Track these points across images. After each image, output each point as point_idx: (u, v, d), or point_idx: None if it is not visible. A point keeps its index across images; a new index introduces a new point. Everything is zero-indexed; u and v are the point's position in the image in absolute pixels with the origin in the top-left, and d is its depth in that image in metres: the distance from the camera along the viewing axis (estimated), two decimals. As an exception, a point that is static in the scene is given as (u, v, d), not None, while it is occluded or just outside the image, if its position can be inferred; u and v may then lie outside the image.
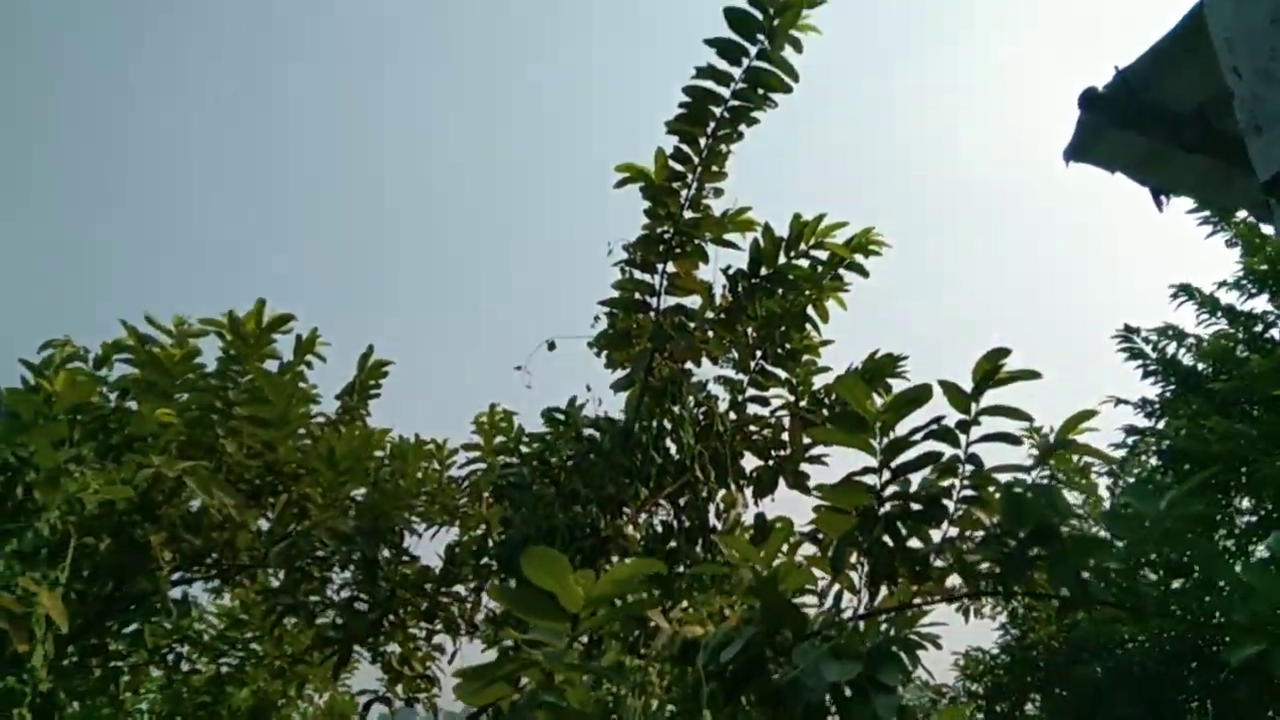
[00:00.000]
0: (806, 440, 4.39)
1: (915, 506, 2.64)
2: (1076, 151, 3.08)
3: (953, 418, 2.62)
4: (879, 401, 2.60)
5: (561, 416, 4.52)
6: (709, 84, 4.10)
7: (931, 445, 2.61)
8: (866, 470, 2.59)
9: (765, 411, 4.57)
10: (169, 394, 4.33)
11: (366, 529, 4.05)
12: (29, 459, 3.28)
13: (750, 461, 4.54)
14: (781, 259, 4.31)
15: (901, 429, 2.61)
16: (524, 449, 4.70)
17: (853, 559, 2.65)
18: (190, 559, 4.03)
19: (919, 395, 2.53)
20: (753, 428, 4.48)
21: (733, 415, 4.46)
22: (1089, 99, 2.88)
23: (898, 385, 4.63)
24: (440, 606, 4.51)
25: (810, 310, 4.47)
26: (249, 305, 4.67)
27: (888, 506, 2.61)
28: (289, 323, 4.45)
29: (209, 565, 4.29)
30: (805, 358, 4.57)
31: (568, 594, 1.93)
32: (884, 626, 2.61)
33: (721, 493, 4.12)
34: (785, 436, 4.48)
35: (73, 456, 3.37)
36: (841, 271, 4.50)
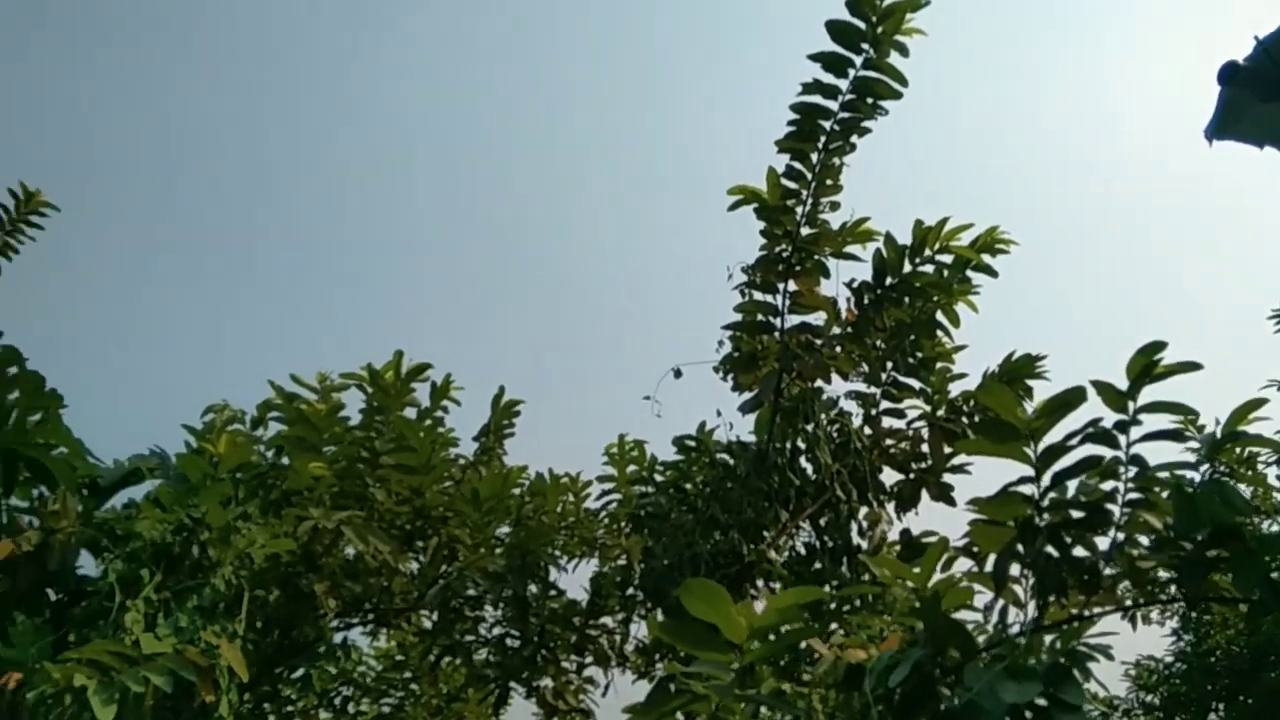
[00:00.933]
0: (948, 450, 4.27)
1: (1077, 514, 2.53)
2: (1219, 128, 2.92)
3: (1109, 418, 2.51)
4: (1028, 407, 2.51)
5: (693, 443, 4.53)
6: (816, 99, 4.07)
7: (1089, 449, 2.51)
8: (1022, 480, 2.50)
9: (901, 424, 4.47)
10: (318, 448, 4.54)
11: (515, 567, 4.14)
12: (202, 519, 3.49)
13: (890, 476, 4.45)
14: (906, 267, 4.23)
15: (1055, 434, 2.52)
16: (658, 478, 4.72)
17: (1015, 572, 2.56)
18: (351, 605, 4.20)
19: (1071, 398, 2.44)
20: (889, 441, 4.39)
21: (868, 430, 4.37)
22: (1229, 73, 2.73)
23: (1039, 387, 4.48)
24: (589, 639, 4.56)
25: (940, 316, 4.36)
26: (370, 347, 4.87)
27: (1048, 516, 2.51)
28: (426, 371, 4.61)
29: (368, 610, 4.46)
30: (939, 365, 4.46)
31: (730, 626, 1.93)
32: (1051, 640, 2.51)
33: (864, 510, 4.04)
34: (924, 448, 4.37)
35: (240, 514, 3.57)
36: (969, 273, 4.38)
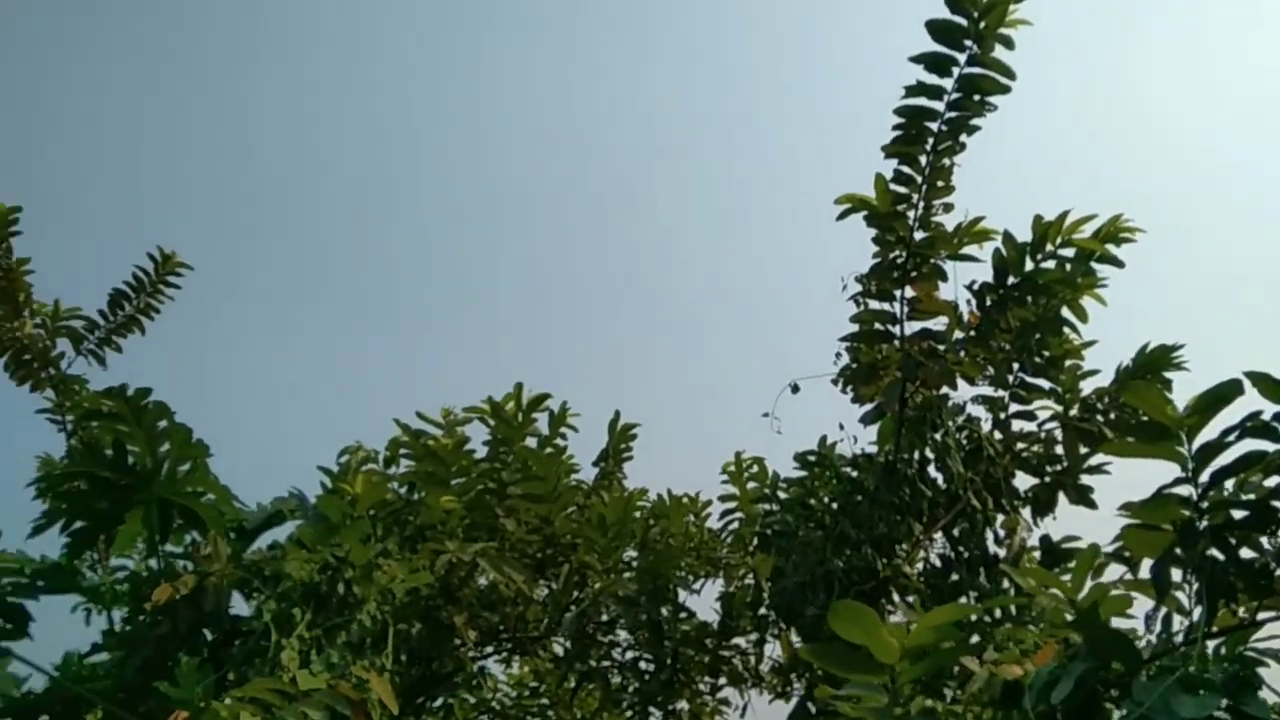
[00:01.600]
0: (1084, 451, 4.10)
1: (1241, 514, 2.39)
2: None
3: (1268, 410, 2.37)
4: (1178, 404, 2.39)
5: (815, 458, 4.47)
6: (921, 101, 4.00)
7: (1249, 444, 2.37)
8: (1177, 481, 2.38)
9: (1032, 426, 4.32)
10: (447, 482, 4.66)
11: (648, 590, 4.16)
12: (345, 557, 3.62)
13: (1023, 481, 4.29)
14: (1028, 264, 4.09)
15: (1209, 430, 2.39)
16: (782, 495, 4.67)
17: (1175, 578, 2.43)
18: (488, 634, 4.29)
19: (1227, 392, 2.31)
20: (1021, 445, 4.24)
21: (998, 435, 4.24)
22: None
23: (1178, 379, 4.26)
24: (722, 660, 4.54)
25: (1066, 312, 4.20)
26: (479, 378, 4.98)
27: (1208, 518, 2.38)
28: (545, 401, 4.70)
29: (504, 639, 4.54)
30: (1068, 363, 4.29)
31: (882, 647, 1.89)
32: (1216, 647, 2.37)
33: (1000, 518, 3.91)
34: (1059, 450, 4.21)
35: (380, 551, 3.69)
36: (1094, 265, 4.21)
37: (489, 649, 4.57)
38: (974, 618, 3.67)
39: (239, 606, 4.60)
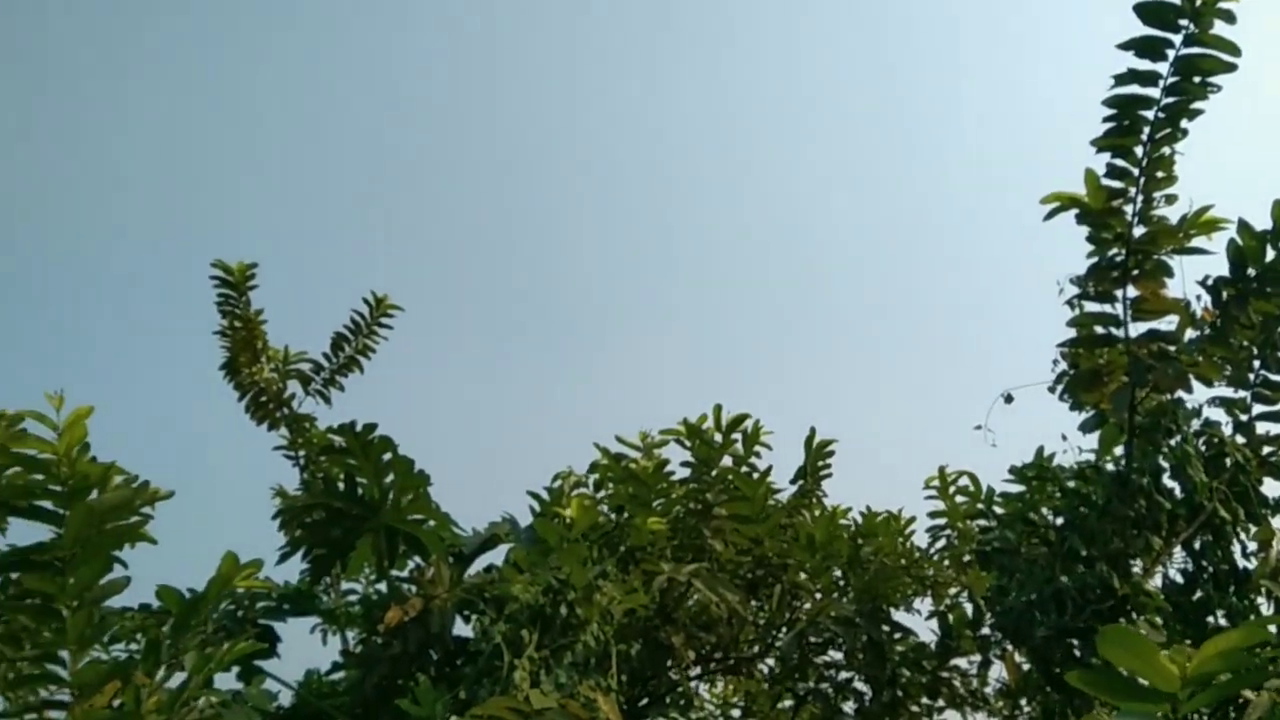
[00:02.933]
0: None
1: None
2: None
3: None
4: None
5: (1032, 472, 4.27)
6: (1133, 89, 3.77)
7: None
8: None
9: (1280, 428, 3.96)
10: (649, 504, 4.74)
11: (865, 610, 4.08)
12: (566, 579, 3.74)
13: (1272, 487, 3.94)
14: (1269, 254, 3.77)
15: None
16: (998, 509, 4.49)
17: None
18: (704, 655, 4.32)
19: None
20: (1269, 449, 3.90)
21: (1239, 438, 3.92)
22: None
23: None
24: (942, 681, 4.38)
25: (1316, 303, 3.84)
26: (674, 396, 5.03)
27: None
28: (744, 421, 4.71)
29: (718, 659, 4.57)
30: (1319, 358, 3.92)
31: (1161, 675, 1.78)
32: None
33: (1253, 529, 3.61)
34: (1314, 453, 3.84)
35: (598, 573, 3.79)
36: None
37: (703, 669, 4.60)
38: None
39: (459, 628, 4.85)
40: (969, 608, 4.78)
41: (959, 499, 4.93)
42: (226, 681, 4.61)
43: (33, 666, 3.59)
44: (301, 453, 5.66)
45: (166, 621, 3.70)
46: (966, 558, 4.44)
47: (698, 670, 4.64)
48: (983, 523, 4.55)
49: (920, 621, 4.90)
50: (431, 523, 4.82)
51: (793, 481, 5.34)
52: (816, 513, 4.92)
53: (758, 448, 5.11)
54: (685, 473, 4.97)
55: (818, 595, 4.34)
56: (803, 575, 4.41)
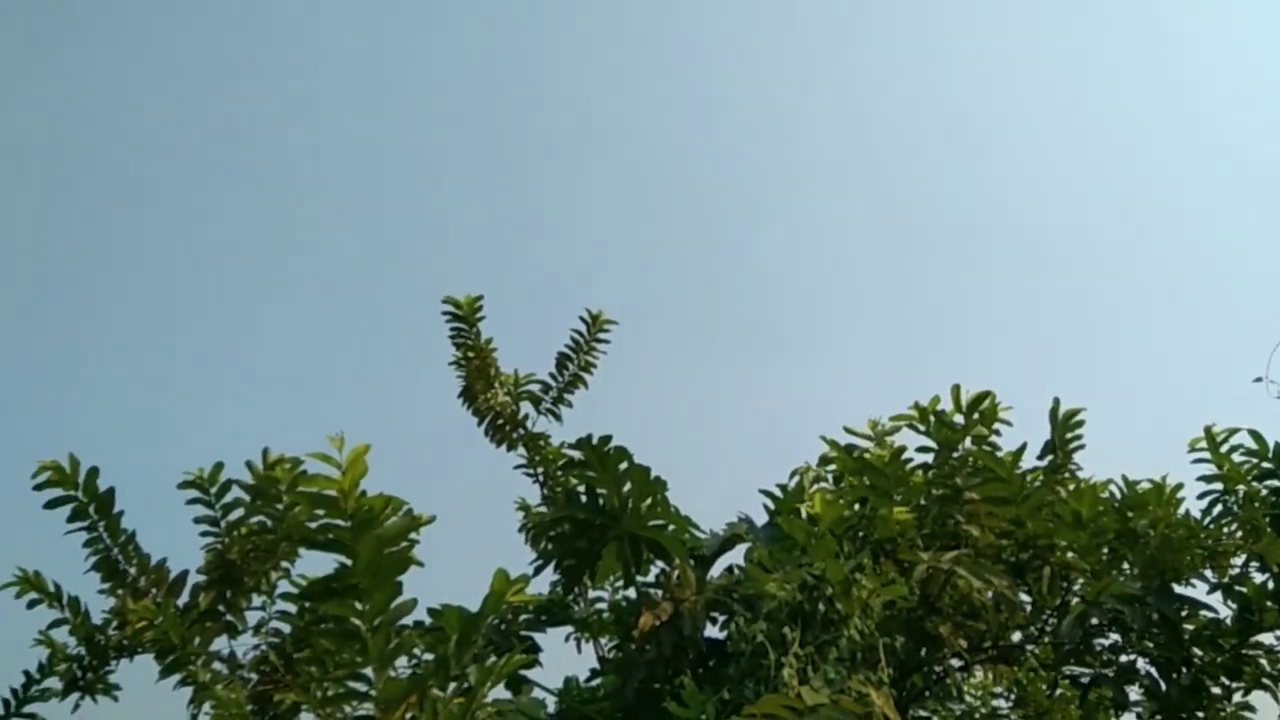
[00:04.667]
0: None
1: None
2: None
3: None
4: None
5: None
6: None
7: None
8: None
9: None
10: (889, 494, 4.62)
11: (1154, 586, 3.80)
12: (822, 575, 3.70)
13: None
14: None
15: None
16: (1290, 469, 4.06)
17: None
18: (973, 644, 4.16)
19: None
20: None
21: None
22: None
23: None
24: (1244, 660, 4.01)
25: None
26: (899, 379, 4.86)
27: None
28: (985, 400, 4.51)
29: (987, 647, 4.38)
30: None
31: None
32: None
33: None
34: None
35: (854, 567, 3.73)
36: None
37: (968, 659, 4.42)
38: None
39: (708, 628, 4.90)
40: (1259, 578, 4.36)
41: (1236, 459, 4.50)
42: (494, 692, 4.87)
43: (336, 686, 3.93)
44: (540, 469, 5.90)
45: (439, 636, 3.92)
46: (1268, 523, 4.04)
47: (960, 661, 4.46)
48: (1274, 483, 4.13)
49: (1201, 595, 4.52)
50: (672, 527, 4.91)
51: (1040, 457, 5.06)
52: (1071, 487, 4.63)
53: (996, 425, 4.89)
54: (923, 458, 4.83)
55: (1090, 574, 4.08)
56: (1071, 554, 4.16)
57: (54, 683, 4.51)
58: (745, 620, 4.27)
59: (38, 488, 4.21)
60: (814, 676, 3.53)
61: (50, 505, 4.25)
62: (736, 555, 5.10)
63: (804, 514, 4.25)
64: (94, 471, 4.24)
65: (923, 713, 4.96)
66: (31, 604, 4.37)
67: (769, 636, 3.66)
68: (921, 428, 4.88)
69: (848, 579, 3.67)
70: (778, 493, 4.96)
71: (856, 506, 4.40)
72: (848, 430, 5.25)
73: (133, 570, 4.35)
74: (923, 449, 4.85)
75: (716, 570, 5.16)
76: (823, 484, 4.62)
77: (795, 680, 3.49)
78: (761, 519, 5.07)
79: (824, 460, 5.13)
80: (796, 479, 4.66)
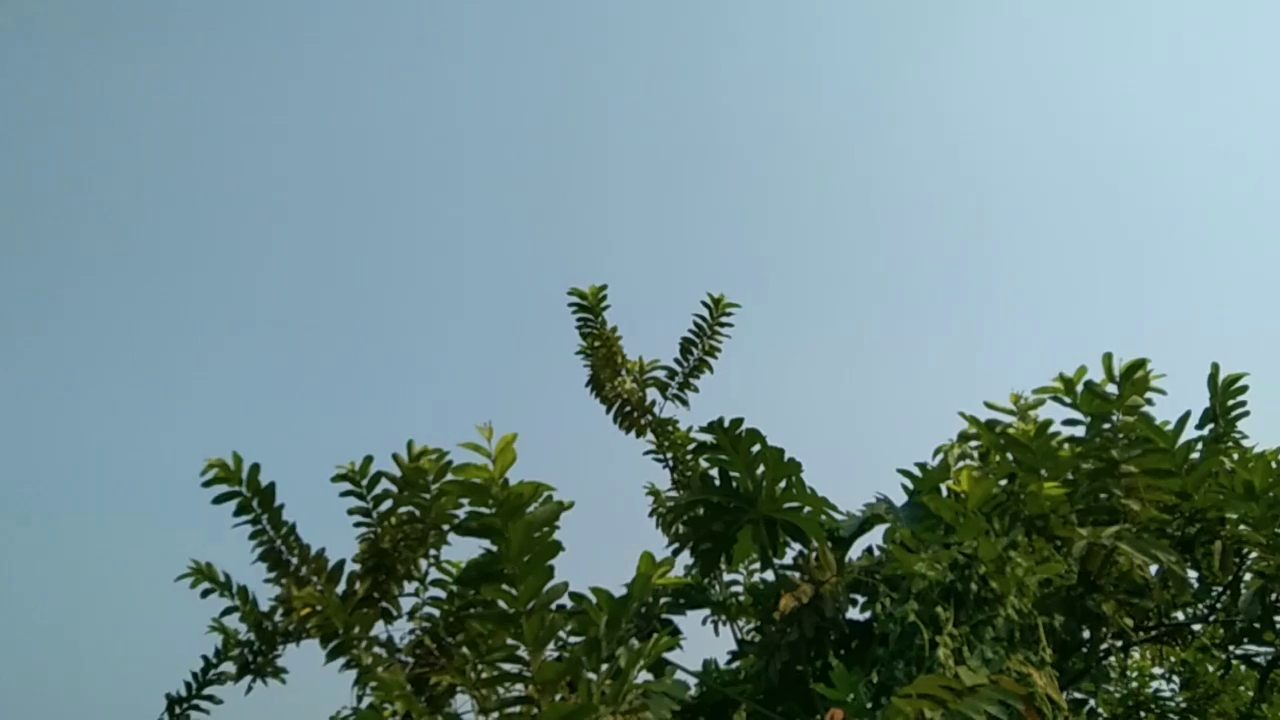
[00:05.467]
0: None
1: None
2: None
3: None
4: None
5: None
6: None
7: None
8: None
9: None
10: (1037, 469, 4.47)
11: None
12: (974, 554, 3.62)
13: None
14: None
15: None
16: None
17: None
18: (1138, 622, 4.00)
19: None
20: None
21: None
22: None
23: None
24: None
25: None
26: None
27: None
28: (1141, 369, 4.31)
29: (1149, 626, 4.21)
30: None
31: None
32: None
33: None
34: None
35: (1007, 544, 3.63)
36: None
37: (1129, 638, 4.25)
38: None
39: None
40: None
41: None
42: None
43: (491, 669, 4.05)
44: (669, 454, 5.94)
45: (583, 619, 3.99)
46: None
47: (1119, 641, 4.29)
48: None
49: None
50: (808, 509, 4.87)
51: (1199, 426, 4.81)
52: (1236, 456, 4.38)
53: (1149, 394, 4.67)
54: (1070, 431, 4.66)
55: (1266, 546, 3.85)
56: (1243, 527, 3.94)
57: (228, 667, 4.78)
58: (892, 601, 4.22)
59: (206, 484, 4.45)
60: (970, 657, 3.46)
61: (217, 501, 4.49)
62: (873, 536, 5.05)
63: (949, 492, 4.16)
64: (256, 468, 4.46)
65: (1078, 695, 4.79)
66: (205, 593, 4.62)
67: (920, 617, 3.60)
68: (1068, 400, 4.72)
69: (1001, 557, 3.58)
70: (917, 472, 4.87)
71: (1003, 483, 4.27)
72: (989, 405, 5.11)
73: (295, 560, 4.56)
74: (1070, 421, 4.69)
75: (854, 552, 5.11)
76: (968, 461, 4.51)
77: (951, 660, 3.42)
78: (899, 499, 4.99)
79: (964, 437, 5.01)
80: (940, 457, 4.56)
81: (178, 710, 4.74)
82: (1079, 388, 4.53)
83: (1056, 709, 3.29)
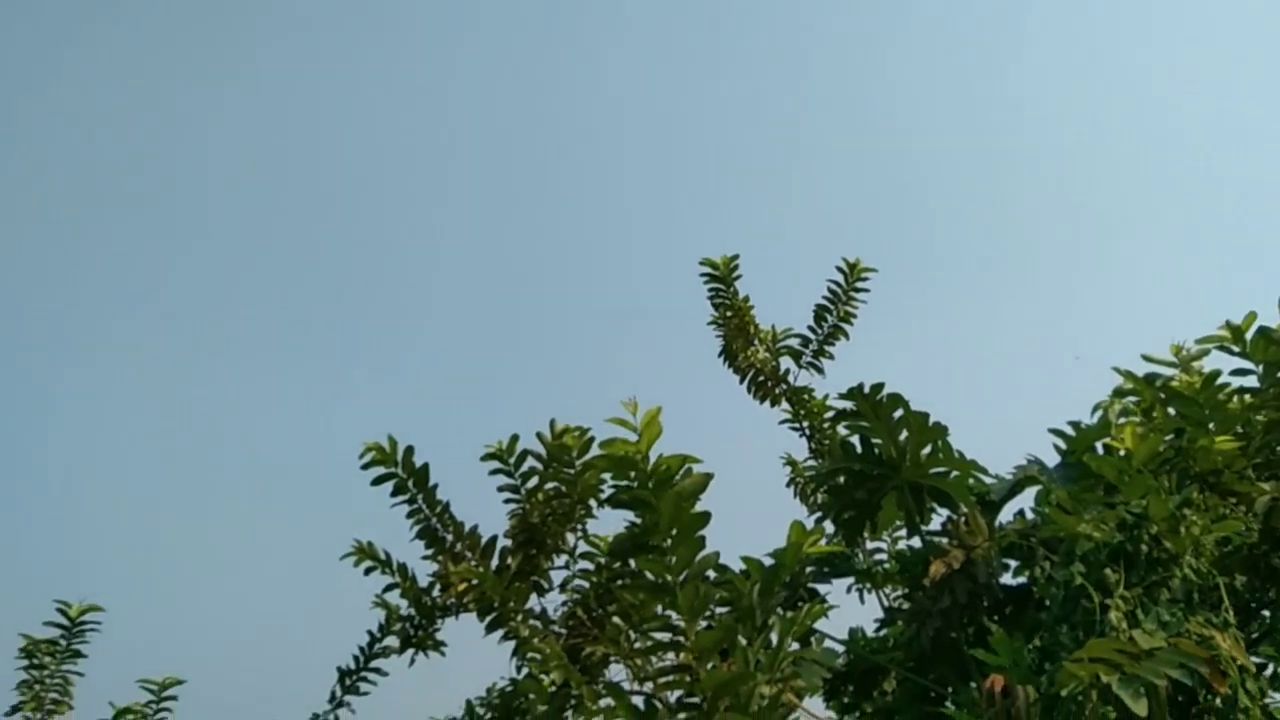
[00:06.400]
0: None
1: None
2: None
3: None
4: None
5: None
6: None
7: None
8: None
9: None
10: (1205, 423, 4.25)
11: None
12: (1143, 513, 3.46)
13: None
14: None
15: None
16: None
17: None
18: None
19: None
20: None
21: None
22: None
23: None
24: None
25: None
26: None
27: None
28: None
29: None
30: None
31: None
32: None
33: None
34: None
35: (1180, 502, 3.47)
36: None
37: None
38: None
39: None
40: None
41: None
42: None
43: (643, 639, 4.12)
44: (805, 423, 5.89)
45: (730, 589, 4.00)
46: None
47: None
48: None
49: None
50: (955, 473, 4.75)
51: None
52: None
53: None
54: (1239, 382, 4.40)
55: None
56: None
57: (391, 641, 5.00)
58: (1052, 564, 4.08)
59: (364, 466, 4.67)
60: (1144, 620, 3.32)
61: (376, 482, 4.70)
62: (1023, 500, 4.90)
63: (1108, 450, 4.00)
64: (410, 450, 4.65)
65: (1255, 659, 4.55)
66: (367, 571, 4.85)
67: (1086, 579, 3.48)
68: (1236, 349, 4.46)
69: (1174, 516, 3.42)
70: (1070, 431, 4.68)
71: (1169, 439, 4.07)
72: (1146, 359, 4.88)
73: (450, 536, 4.74)
74: (1238, 371, 4.44)
75: (1004, 516, 4.98)
76: (1128, 417, 4.32)
77: (1124, 623, 3.30)
78: (1050, 461, 4.82)
79: (1120, 393, 4.79)
80: (1099, 414, 4.37)
81: (348, 682, 5.00)
82: (1249, 335, 4.27)
83: (1244, 672, 3.14)
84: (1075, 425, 4.69)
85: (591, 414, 4.19)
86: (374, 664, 5.03)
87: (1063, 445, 4.73)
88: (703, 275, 5.83)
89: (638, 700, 3.86)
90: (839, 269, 5.85)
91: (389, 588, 4.91)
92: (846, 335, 5.92)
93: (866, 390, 4.67)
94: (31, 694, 4.61)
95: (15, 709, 4.59)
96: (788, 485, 6.28)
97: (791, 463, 6.27)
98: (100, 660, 4.87)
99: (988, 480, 4.91)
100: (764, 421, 6.01)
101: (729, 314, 5.83)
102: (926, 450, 4.75)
